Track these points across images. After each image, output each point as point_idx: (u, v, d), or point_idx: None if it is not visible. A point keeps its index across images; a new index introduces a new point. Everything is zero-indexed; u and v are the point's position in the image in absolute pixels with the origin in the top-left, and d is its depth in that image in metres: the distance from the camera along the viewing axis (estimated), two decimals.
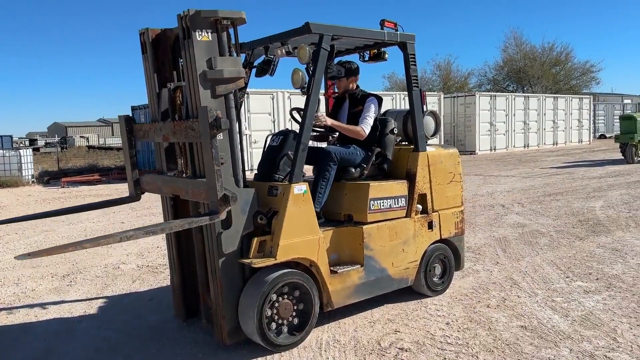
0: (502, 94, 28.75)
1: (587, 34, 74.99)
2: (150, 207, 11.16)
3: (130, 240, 3.36)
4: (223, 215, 3.44)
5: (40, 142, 52.62)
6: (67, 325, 4.48)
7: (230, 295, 3.70)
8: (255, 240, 3.70)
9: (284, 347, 3.75)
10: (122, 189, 15.06)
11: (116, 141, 60.96)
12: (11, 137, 44.00)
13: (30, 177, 17.24)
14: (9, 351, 3.98)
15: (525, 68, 42.41)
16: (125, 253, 6.98)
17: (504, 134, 26.04)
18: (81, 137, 54.94)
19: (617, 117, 24.15)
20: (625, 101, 45.03)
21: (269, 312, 3.68)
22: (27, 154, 17.50)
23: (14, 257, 3.13)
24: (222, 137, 3.63)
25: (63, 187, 15.93)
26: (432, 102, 23.24)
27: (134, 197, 4.32)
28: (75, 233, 8.55)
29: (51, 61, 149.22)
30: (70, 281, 5.77)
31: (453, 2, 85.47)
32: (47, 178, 17.80)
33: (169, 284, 5.45)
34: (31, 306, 4.99)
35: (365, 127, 4.53)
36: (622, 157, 17.52)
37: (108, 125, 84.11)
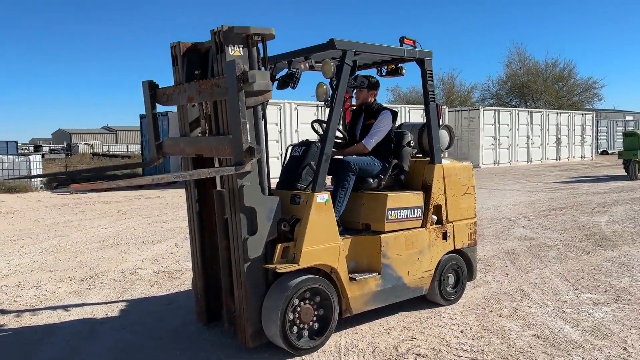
0: (506, 108, 28.98)
1: (590, 51, 75.58)
2: (160, 215, 11.34)
3: (161, 182, 3.52)
4: (248, 167, 3.59)
5: (45, 149, 52.93)
6: (90, 326, 4.60)
7: (254, 299, 3.83)
8: (279, 247, 3.84)
9: (304, 350, 3.87)
10: (130, 196, 15.24)
11: (120, 149, 61.36)
12: (16, 142, 44.33)
13: (38, 182, 17.41)
14: (34, 351, 4.10)
15: (529, 83, 42.71)
16: (141, 259, 7.11)
17: (508, 149, 26.21)
18: (86, 144, 55.24)
19: (620, 133, 24.32)
20: (628, 118, 45.28)
21: (291, 316, 3.81)
22: (36, 160, 17.72)
23: (70, 187, 3.26)
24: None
25: (71, 193, 16.07)
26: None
27: (155, 159, 4.46)
28: (88, 238, 8.68)
29: (55, 68, 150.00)
30: (89, 285, 5.90)
31: (457, 16, 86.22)
32: (56, 184, 17.95)
33: (186, 289, 5.60)
34: (53, 308, 5.11)
35: (369, 141, 4.69)
36: (625, 174, 17.65)
37: (112, 132, 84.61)
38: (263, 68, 3.85)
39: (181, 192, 15.88)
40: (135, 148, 61.57)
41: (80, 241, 8.49)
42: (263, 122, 3.87)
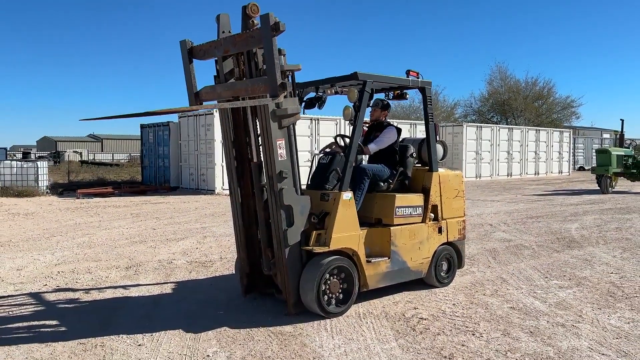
0: (487, 125, 30.47)
1: (569, 71, 78.21)
2: (172, 217, 12.31)
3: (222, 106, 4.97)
4: (281, 98, 4.57)
5: (31, 156, 53.12)
6: (152, 299, 5.62)
7: (293, 276, 4.89)
8: (314, 233, 4.92)
9: (333, 314, 4.94)
10: (136, 202, 16.14)
11: (106, 157, 61.83)
12: (5, 149, 44.63)
13: (45, 187, 18.23)
14: (114, 316, 5.10)
15: (509, 101, 44.47)
16: (171, 252, 8.11)
17: (489, 163, 27.62)
18: (74, 152, 55.61)
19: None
20: (605, 135, 47.15)
21: (323, 287, 4.87)
22: (43, 166, 18.53)
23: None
24: (284, 158, 4.85)
25: (79, 198, 16.93)
26: (421, 129, 24.74)
27: (195, 107, 5.36)
28: (115, 236, 9.64)
29: (39, 74, 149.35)
30: (135, 271, 6.89)
31: (441, 35, 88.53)
32: (61, 190, 18.77)
33: (220, 274, 6.64)
34: (114, 287, 6.10)
35: (372, 146, 5.81)
36: (598, 188, 19.02)
37: (98, 141, 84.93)
38: (293, 95, 4.91)
39: (184, 199, 16.89)
40: (121, 157, 62.18)
41: (109, 238, 9.44)
42: (294, 137, 4.96)
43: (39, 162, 18.61)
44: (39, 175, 18.09)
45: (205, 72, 5.31)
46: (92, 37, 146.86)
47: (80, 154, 56.52)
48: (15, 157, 44.90)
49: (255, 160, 5.32)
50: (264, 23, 4.51)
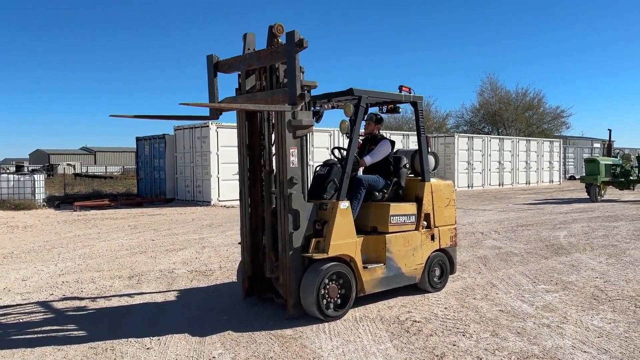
0: (478, 135, 30.91)
1: (558, 82, 79.23)
2: (170, 229, 12.52)
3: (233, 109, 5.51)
4: (298, 107, 4.90)
5: (24, 169, 53.06)
6: (157, 306, 5.84)
7: (295, 279, 5.15)
8: (313, 240, 5.18)
9: (331, 317, 5.19)
10: (133, 213, 16.32)
11: (99, 169, 61.85)
12: None
13: (41, 200, 18.38)
14: (125, 321, 5.32)
15: (500, 111, 45.07)
16: (172, 262, 8.33)
17: (481, 173, 28.03)
18: (68, 164, 55.60)
19: None
20: (595, 145, 47.79)
21: (322, 292, 5.12)
22: (39, 179, 18.69)
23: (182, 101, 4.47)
24: (296, 165, 5.13)
25: (76, 210, 17.10)
26: (414, 140, 25.06)
27: (214, 116, 5.66)
28: (115, 247, 9.85)
29: (30, 86, 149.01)
30: (138, 281, 7.11)
31: (433, 46, 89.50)
32: (58, 202, 18.92)
33: (221, 282, 6.87)
34: (119, 296, 6.32)
35: (368, 158, 6.10)
36: (588, 196, 19.41)
37: (91, 153, 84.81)
38: (307, 108, 5.20)
39: (181, 210, 17.09)
40: (114, 169, 62.21)
41: (109, 249, 9.65)
42: (305, 148, 5.24)
43: (35, 175, 18.76)
44: (36, 188, 18.26)
45: (221, 88, 5.66)
46: (85, 47, 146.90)
47: (74, 166, 56.51)
48: (8, 171, 44.97)
49: (267, 168, 5.60)
50: (289, 39, 4.85)
